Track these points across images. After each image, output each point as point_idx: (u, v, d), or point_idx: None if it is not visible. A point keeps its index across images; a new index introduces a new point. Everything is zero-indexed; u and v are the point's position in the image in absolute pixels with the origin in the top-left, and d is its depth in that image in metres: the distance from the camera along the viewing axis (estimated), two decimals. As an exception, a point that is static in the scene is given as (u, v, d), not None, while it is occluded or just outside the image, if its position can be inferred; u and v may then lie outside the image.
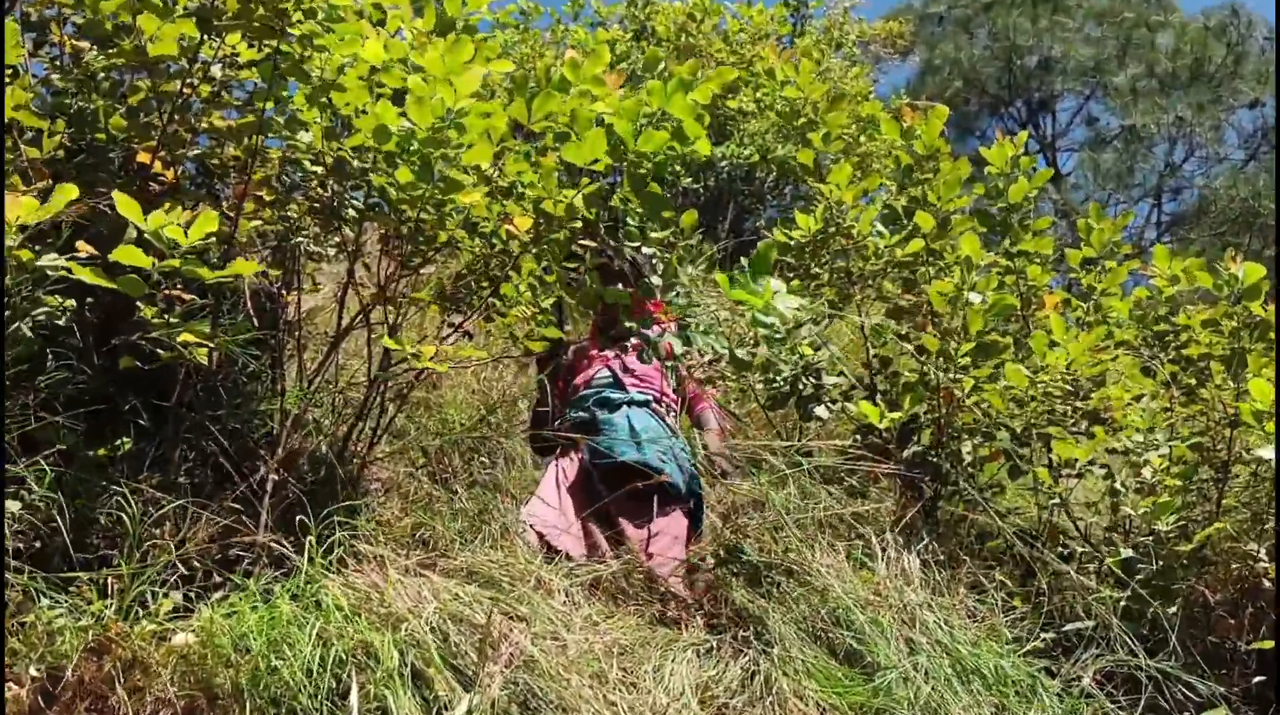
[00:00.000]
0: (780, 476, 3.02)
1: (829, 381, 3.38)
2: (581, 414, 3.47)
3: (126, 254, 2.21)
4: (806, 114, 4.30)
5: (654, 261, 3.26)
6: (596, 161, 2.71)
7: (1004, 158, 3.64)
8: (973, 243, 3.13)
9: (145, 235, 2.25)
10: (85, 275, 2.21)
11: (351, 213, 3.04)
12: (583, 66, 2.71)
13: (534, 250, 2.99)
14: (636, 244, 3.14)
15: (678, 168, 7.14)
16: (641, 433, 3.33)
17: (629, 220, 3.15)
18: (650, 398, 3.53)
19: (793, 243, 3.66)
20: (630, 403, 3.48)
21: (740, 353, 3.31)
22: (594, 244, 3.17)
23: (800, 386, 3.38)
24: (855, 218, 3.54)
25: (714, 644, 2.58)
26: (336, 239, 3.33)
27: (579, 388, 3.60)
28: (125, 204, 2.22)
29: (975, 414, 3.21)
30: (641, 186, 2.88)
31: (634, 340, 3.53)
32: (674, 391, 3.66)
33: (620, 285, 3.33)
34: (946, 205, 3.49)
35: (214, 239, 2.41)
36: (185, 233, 2.26)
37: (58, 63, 2.94)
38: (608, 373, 3.59)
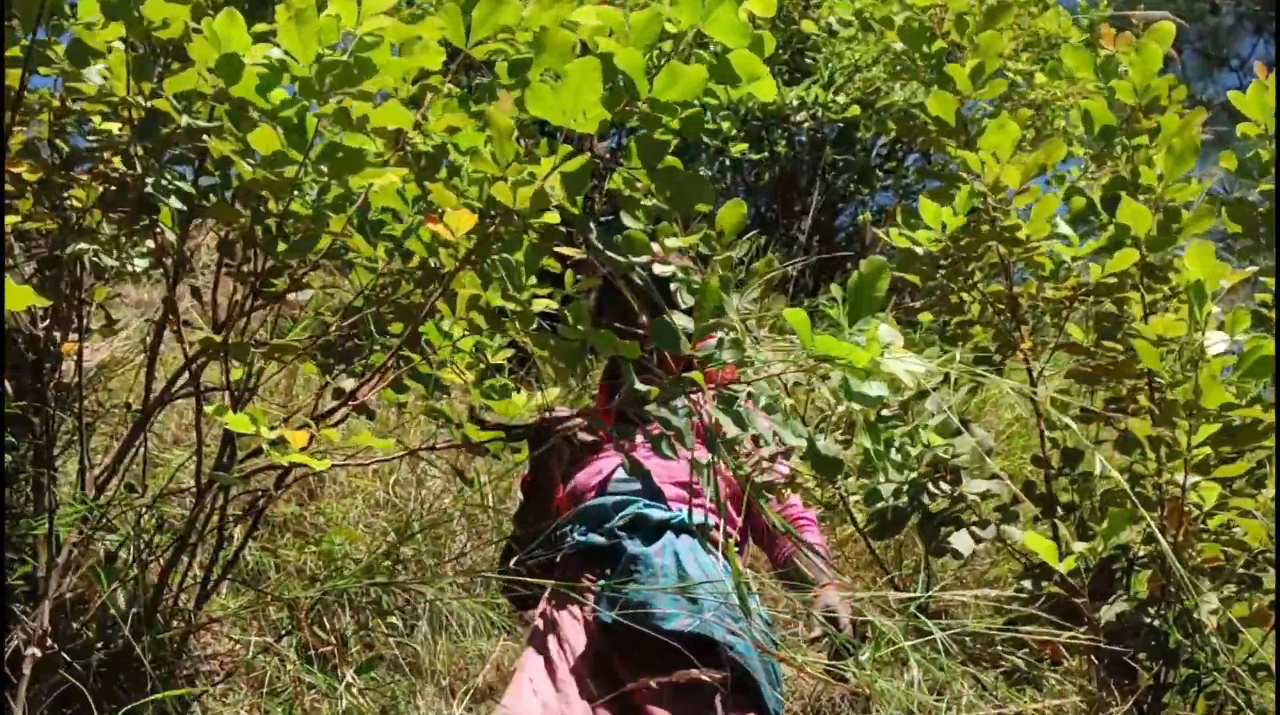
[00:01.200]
0: (895, 651, 3.03)
1: (973, 489, 3.39)
2: (593, 538, 3.45)
3: None
4: (947, 30, 4.30)
5: (679, 285, 3.26)
6: (585, 117, 2.68)
7: (1268, 106, 3.65)
8: (1206, 256, 3.13)
9: None
10: None
11: (174, 202, 3.06)
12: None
13: (479, 265, 2.99)
14: (647, 257, 3.12)
15: (723, 125, 7.16)
16: (697, 582, 3.30)
17: (637, 215, 3.10)
18: (708, 520, 3.52)
19: (919, 252, 3.66)
20: (677, 527, 3.47)
21: (824, 444, 3.33)
22: (578, 253, 3.15)
23: (924, 499, 3.39)
24: (1023, 211, 3.55)
25: None
26: (147, 247, 3.35)
27: (584, 491, 3.60)
28: None
29: (1222, 545, 3.21)
30: (658, 157, 2.87)
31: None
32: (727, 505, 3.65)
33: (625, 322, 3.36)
34: (1173, 192, 3.50)
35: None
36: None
37: None
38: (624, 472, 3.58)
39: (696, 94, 2.68)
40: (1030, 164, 3.49)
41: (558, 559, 3.48)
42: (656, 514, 3.44)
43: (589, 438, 3.39)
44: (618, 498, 3.49)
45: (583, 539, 3.42)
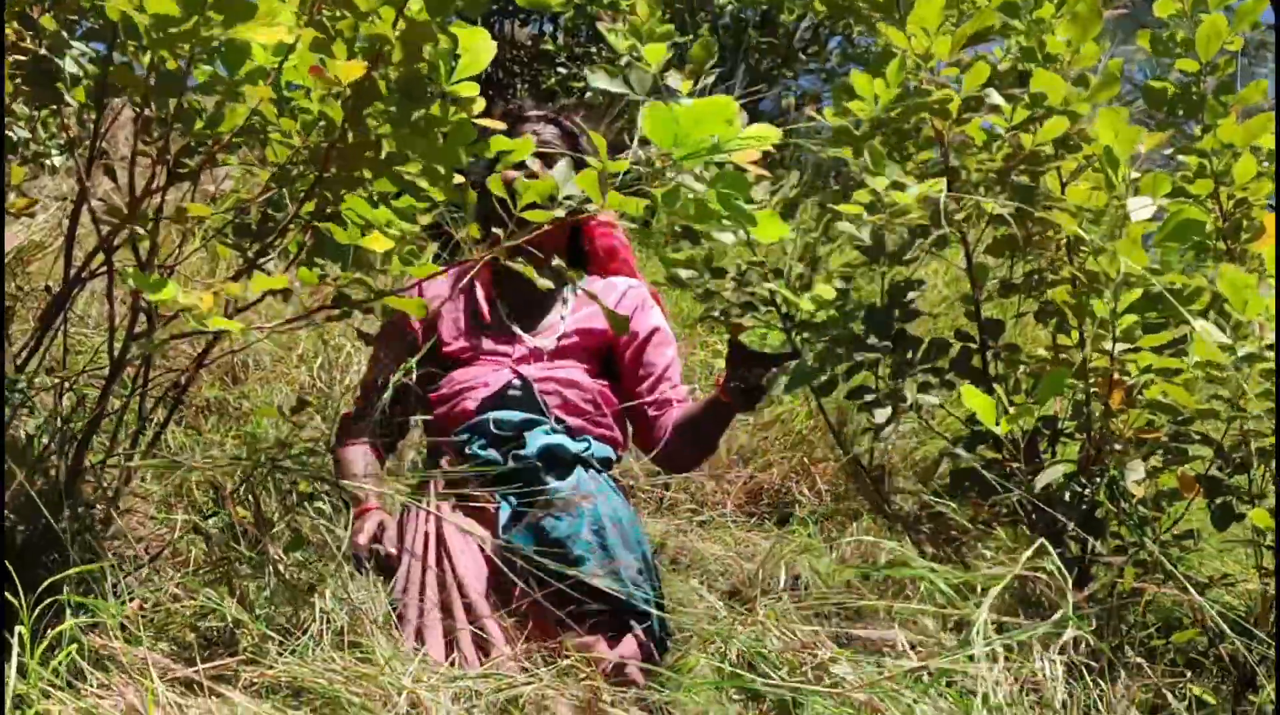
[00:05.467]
0: (817, 517, 3.02)
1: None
2: (498, 458, 3.40)
3: None
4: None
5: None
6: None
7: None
8: (1117, 121, 3.10)
9: None
10: None
11: (77, 68, 2.97)
12: None
13: (368, 117, 2.91)
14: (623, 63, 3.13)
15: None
16: (609, 530, 3.31)
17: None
18: (611, 455, 3.56)
19: (853, 126, 3.61)
20: (586, 462, 3.45)
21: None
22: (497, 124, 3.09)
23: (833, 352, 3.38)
24: (955, 83, 3.49)
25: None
26: (60, 130, 3.28)
27: (460, 402, 3.54)
28: None
29: (1149, 415, 3.20)
30: None
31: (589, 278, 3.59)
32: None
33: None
34: (1086, 60, 3.45)
35: None
36: None
37: None
38: (518, 385, 3.53)
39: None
40: (959, 35, 3.45)
41: (443, 463, 3.47)
42: (570, 446, 3.42)
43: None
44: (525, 416, 3.44)
45: (484, 453, 3.39)
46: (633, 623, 3.28)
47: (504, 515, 3.28)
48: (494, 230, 3.02)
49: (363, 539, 3.28)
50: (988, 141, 3.46)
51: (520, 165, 3.16)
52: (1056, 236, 3.36)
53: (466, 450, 3.41)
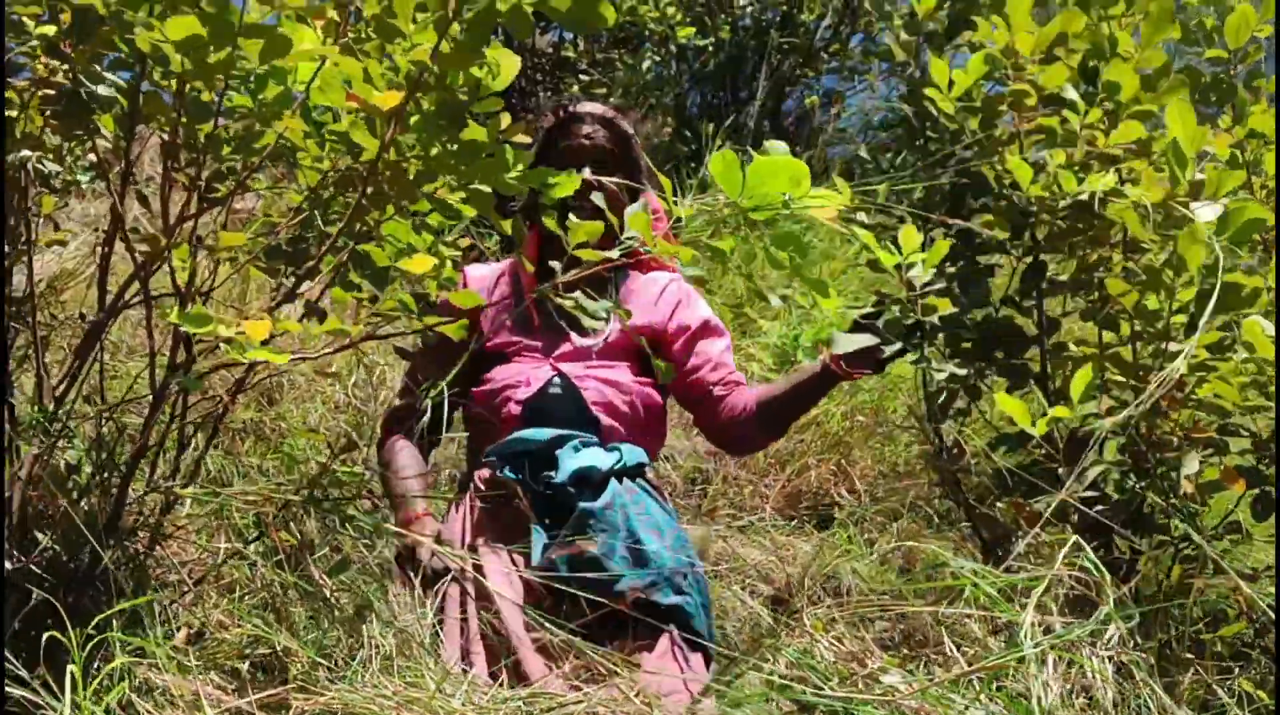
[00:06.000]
0: (857, 518, 3.01)
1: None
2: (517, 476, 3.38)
3: None
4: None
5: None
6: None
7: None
8: (1187, 116, 3.09)
9: None
10: None
11: (107, 91, 2.97)
12: None
13: (394, 142, 2.90)
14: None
15: (667, 10, 7.12)
16: (648, 540, 3.29)
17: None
18: (644, 459, 3.53)
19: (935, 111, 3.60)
20: (620, 473, 3.43)
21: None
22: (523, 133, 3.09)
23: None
24: (1035, 75, 3.47)
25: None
26: (90, 159, 3.29)
27: (504, 403, 3.53)
28: None
29: (1194, 412, 3.19)
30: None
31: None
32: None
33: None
34: (1153, 58, 3.45)
35: None
36: None
37: None
38: (559, 383, 3.52)
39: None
40: (1044, 34, 3.45)
41: (480, 479, 3.49)
42: (601, 463, 3.39)
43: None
44: (554, 433, 3.40)
45: (514, 477, 3.36)
46: (676, 632, 3.24)
47: (538, 544, 3.25)
48: (550, 264, 3.08)
49: (424, 553, 3.24)
50: (1064, 138, 3.44)
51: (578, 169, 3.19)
52: (1113, 234, 3.34)
53: (497, 473, 3.39)
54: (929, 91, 3.51)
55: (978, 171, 3.62)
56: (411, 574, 3.23)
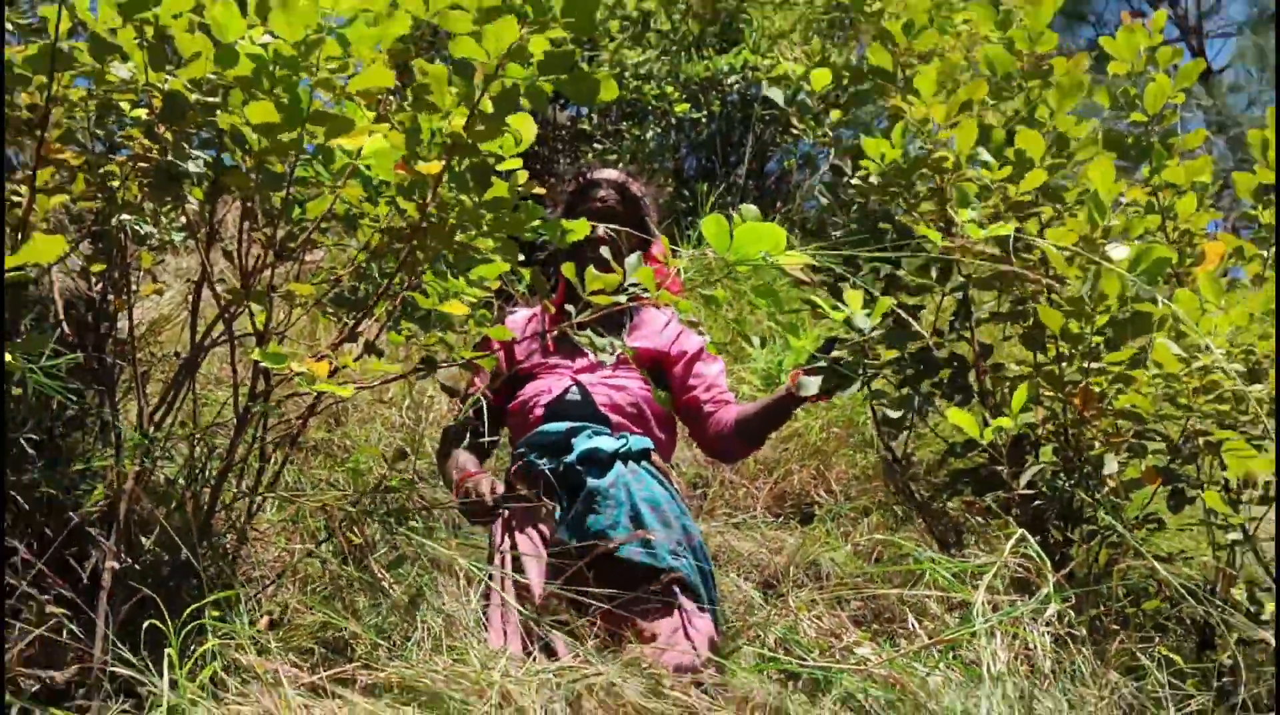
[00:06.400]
0: (834, 515, 3.01)
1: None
2: (544, 463, 3.43)
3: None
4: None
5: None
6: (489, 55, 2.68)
7: (1134, 49, 3.62)
8: (1105, 170, 3.11)
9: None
10: None
11: (195, 167, 2.99)
12: None
13: (430, 205, 2.93)
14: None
15: (667, 89, 7.15)
16: (646, 514, 3.31)
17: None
18: (649, 445, 3.54)
19: (866, 183, 3.61)
20: (624, 456, 3.46)
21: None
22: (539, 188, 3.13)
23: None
24: (948, 141, 3.48)
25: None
26: (182, 220, 3.30)
27: (532, 409, 3.57)
28: None
29: (1114, 420, 3.20)
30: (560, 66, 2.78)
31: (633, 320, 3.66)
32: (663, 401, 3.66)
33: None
34: (1063, 123, 3.47)
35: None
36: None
37: None
38: (576, 391, 3.56)
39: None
40: (953, 102, 3.46)
41: (511, 472, 3.50)
42: (607, 446, 3.44)
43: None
44: (570, 424, 3.49)
45: (538, 463, 3.43)
46: (681, 596, 3.25)
47: (558, 517, 3.32)
48: (567, 307, 3.20)
49: (485, 487, 3.34)
50: (979, 192, 3.44)
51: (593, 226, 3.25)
52: (1039, 272, 3.35)
53: (525, 461, 3.45)
54: (864, 162, 3.54)
55: (904, 226, 3.65)
56: (475, 511, 3.35)
